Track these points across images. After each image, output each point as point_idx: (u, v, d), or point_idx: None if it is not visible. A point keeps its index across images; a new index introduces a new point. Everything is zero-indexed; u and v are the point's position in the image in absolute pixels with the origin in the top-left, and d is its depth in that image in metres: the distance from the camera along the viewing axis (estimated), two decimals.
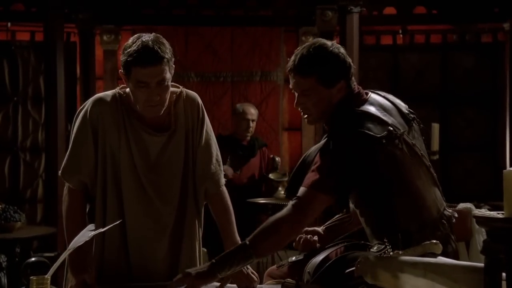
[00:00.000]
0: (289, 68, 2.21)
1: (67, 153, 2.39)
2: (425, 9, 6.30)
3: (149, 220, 2.35)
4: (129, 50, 2.23)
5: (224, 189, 2.48)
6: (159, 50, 2.21)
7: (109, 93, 2.40)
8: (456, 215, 2.25)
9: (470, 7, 6.13)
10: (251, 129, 5.11)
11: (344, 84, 2.20)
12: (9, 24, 6.41)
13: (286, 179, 5.13)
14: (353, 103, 2.19)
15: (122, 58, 2.25)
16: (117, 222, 2.18)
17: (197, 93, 2.47)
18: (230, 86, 6.87)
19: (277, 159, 5.26)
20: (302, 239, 2.39)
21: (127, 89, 2.36)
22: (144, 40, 2.22)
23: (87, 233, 2.00)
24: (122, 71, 2.28)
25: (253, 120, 5.10)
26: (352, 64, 2.23)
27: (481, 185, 6.45)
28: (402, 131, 2.15)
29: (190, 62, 6.69)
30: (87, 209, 2.43)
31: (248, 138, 5.18)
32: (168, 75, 2.26)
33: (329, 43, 2.22)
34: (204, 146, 2.41)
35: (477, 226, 3.31)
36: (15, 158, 6.22)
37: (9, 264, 4.59)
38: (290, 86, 2.24)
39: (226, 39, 6.82)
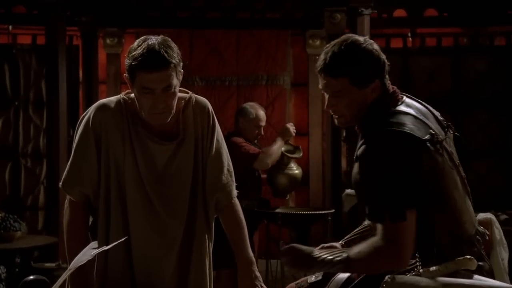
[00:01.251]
0: (319, 68, 2.05)
1: (68, 163, 2.27)
2: (436, 11, 6.16)
3: (156, 234, 2.22)
4: (134, 53, 2.11)
5: (236, 201, 2.35)
6: (165, 54, 2.09)
7: (113, 99, 2.27)
8: (488, 232, 2.10)
9: (482, 9, 5.98)
10: (260, 136, 4.82)
11: (379, 84, 2.05)
12: (10, 27, 6.31)
13: (298, 155, 4.78)
14: (388, 103, 2.04)
15: (126, 61, 2.13)
16: (122, 239, 2.03)
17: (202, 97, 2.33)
18: (235, 90, 6.78)
19: (290, 127, 4.81)
20: None
21: (132, 95, 2.24)
22: (150, 43, 2.10)
23: (90, 251, 1.86)
24: (126, 75, 2.14)
25: (263, 126, 4.81)
26: (386, 61, 2.08)
27: (494, 192, 6.29)
28: (441, 137, 2.02)
29: (195, 65, 6.59)
30: (90, 222, 2.29)
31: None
32: (175, 81, 2.14)
33: (361, 39, 2.06)
34: (214, 156, 2.28)
35: (498, 238, 3.15)
36: (16, 164, 6.14)
37: (8, 275, 4.45)
38: (320, 86, 2.09)
39: (231, 42, 6.72)
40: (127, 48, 7.28)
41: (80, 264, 1.82)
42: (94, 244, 2.03)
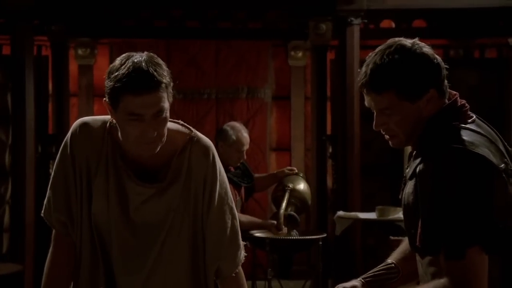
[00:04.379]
0: (360, 83, 1.75)
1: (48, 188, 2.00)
2: (425, 22, 5.95)
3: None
4: (116, 73, 1.79)
5: (241, 269, 2.00)
6: (155, 73, 1.78)
7: (100, 119, 1.95)
8: None
9: (473, 20, 5.79)
10: (242, 159, 4.29)
11: (435, 93, 1.73)
12: None
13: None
14: (456, 117, 1.73)
15: (107, 83, 1.81)
16: None
17: (179, 111, 2.00)
18: (214, 103, 6.63)
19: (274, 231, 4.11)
20: None
21: None
22: (135, 60, 1.79)
23: None
24: (107, 100, 1.82)
25: (246, 149, 4.27)
26: (443, 64, 1.76)
27: None
28: None
29: (172, 77, 6.33)
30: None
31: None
32: (167, 105, 1.81)
33: (408, 42, 1.75)
34: (214, 215, 1.93)
35: None
36: None
37: None
38: (366, 103, 1.79)
39: (210, 53, 6.60)
40: (100, 59, 6.83)
41: None
42: None
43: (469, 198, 1.60)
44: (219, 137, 4.25)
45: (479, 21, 5.84)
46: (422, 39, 5.64)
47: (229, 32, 6.29)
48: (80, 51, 6.33)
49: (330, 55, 6.12)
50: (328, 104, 6.08)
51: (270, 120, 6.69)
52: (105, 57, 6.57)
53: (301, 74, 6.72)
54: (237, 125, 4.33)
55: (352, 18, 4.84)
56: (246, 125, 6.68)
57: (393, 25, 6.01)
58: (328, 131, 6.00)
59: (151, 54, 1.83)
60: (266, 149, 6.69)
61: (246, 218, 4.16)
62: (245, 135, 4.24)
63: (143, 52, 1.83)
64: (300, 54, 6.68)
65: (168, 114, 1.83)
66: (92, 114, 6.55)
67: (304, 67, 6.70)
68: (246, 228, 4.07)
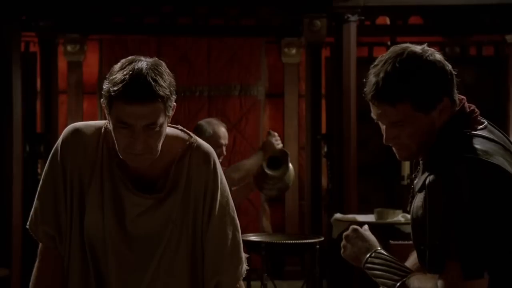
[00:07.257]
0: (370, 95, 1.61)
1: (35, 199, 1.87)
2: (421, 19, 5.87)
3: None
4: (114, 77, 1.68)
5: (242, 284, 1.89)
6: (153, 83, 1.66)
7: (93, 124, 1.83)
8: None
9: (469, 17, 5.72)
10: (223, 156, 3.96)
11: (448, 102, 1.62)
12: None
13: (282, 172, 4.05)
14: (466, 124, 1.62)
15: (104, 85, 1.71)
16: None
17: None
18: (206, 101, 6.58)
19: (271, 138, 3.89)
20: None
21: None
22: (136, 66, 1.67)
23: None
24: (103, 100, 1.71)
25: (225, 144, 3.97)
26: (453, 71, 1.64)
27: None
28: None
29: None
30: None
31: None
32: (162, 119, 1.69)
33: (418, 49, 1.61)
34: (215, 226, 1.82)
35: None
36: None
37: None
38: (373, 115, 1.65)
39: (202, 50, 6.53)
40: (89, 55, 6.64)
41: None
42: None
43: (483, 213, 1.49)
44: (195, 133, 4.02)
45: (475, 18, 5.79)
46: (418, 36, 5.51)
47: (221, 29, 6.23)
48: (69, 48, 6.25)
49: (325, 52, 6.05)
50: (323, 102, 6.02)
51: (263, 118, 6.63)
52: (95, 53, 6.46)
53: (295, 72, 6.67)
54: (213, 119, 4.17)
55: (349, 15, 4.75)
56: (239, 123, 6.65)
57: (388, 21, 5.94)
58: (322, 130, 5.94)
59: (158, 61, 1.71)
60: (259, 147, 6.65)
61: (244, 162, 3.96)
62: (222, 129, 4.03)
63: (151, 57, 1.72)
64: (293, 51, 6.63)
65: (163, 129, 1.71)
66: (82, 112, 6.54)
67: (298, 64, 6.65)
68: (251, 170, 3.84)
